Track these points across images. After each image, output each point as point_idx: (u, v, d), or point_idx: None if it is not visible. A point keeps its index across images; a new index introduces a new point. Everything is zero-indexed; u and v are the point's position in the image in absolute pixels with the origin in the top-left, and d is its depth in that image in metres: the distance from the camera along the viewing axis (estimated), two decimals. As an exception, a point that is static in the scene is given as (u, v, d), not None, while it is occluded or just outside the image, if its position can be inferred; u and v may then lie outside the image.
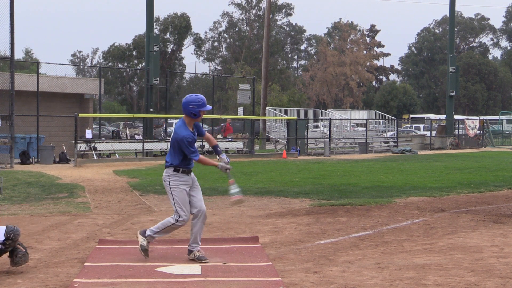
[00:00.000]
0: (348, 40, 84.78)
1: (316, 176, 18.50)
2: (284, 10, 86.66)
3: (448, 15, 46.22)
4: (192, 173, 7.37)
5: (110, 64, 78.86)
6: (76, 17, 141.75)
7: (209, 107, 7.28)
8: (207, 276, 6.48)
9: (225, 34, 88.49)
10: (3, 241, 6.57)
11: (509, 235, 8.95)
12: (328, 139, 33.40)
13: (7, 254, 6.69)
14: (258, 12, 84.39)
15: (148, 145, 27.10)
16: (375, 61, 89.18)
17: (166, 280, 6.36)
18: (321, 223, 10.00)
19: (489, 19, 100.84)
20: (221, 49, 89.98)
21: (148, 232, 7.31)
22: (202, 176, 18.29)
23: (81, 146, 24.72)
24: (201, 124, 7.49)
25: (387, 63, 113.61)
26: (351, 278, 6.42)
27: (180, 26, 78.83)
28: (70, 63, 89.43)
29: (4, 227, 6.65)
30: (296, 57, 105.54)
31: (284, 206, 12.14)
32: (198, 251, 7.29)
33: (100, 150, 25.86)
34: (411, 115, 71.88)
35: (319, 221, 10.24)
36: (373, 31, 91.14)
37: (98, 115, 32.39)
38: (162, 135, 32.01)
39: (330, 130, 34.54)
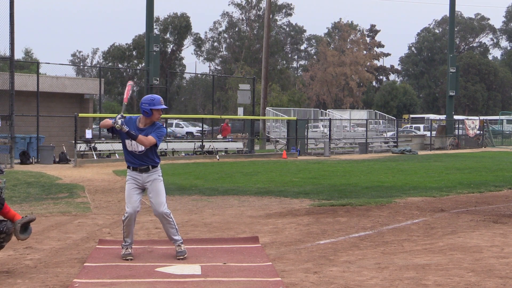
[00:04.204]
0: (348, 40, 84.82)
1: (316, 176, 18.49)
2: (284, 10, 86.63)
3: (448, 15, 46.20)
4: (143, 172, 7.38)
5: (110, 64, 78.86)
6: (76, 17, 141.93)
7: (162, 106, 7.29)
8: (207, 276, 6.48)
9: (225, 34, 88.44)
10: None
11: (509, 235, 8.94)
12: (328, 139, 33.39)
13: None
14: (258, 12, 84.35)
15: (148, 145, 27.02)
16: (375, 61, 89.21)
17: (166, 280, 6.36)
18: (321, 223, 10.00)
19: (489, 19, 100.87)
20: (221, 49, 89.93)
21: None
22: (202, 176, 18.32)
23: (81, 146, 24.72)
24: (160, 128, 7.36)
25: (387, 63, 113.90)
26: (351, 278, 6.42)
27: (180, 26, 78.83)
28: (70, 63, 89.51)
29: None
30: (296, 57, 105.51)
31: (284, 206, 12.13)
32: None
33: (100, 150, 25.85)
34: (411, 115, 71.87)
35: (319, 221, 10.23)
36: (373, 31, 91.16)
37: (98, 115, 32.38)
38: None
39: (330, 130, 34.54)
